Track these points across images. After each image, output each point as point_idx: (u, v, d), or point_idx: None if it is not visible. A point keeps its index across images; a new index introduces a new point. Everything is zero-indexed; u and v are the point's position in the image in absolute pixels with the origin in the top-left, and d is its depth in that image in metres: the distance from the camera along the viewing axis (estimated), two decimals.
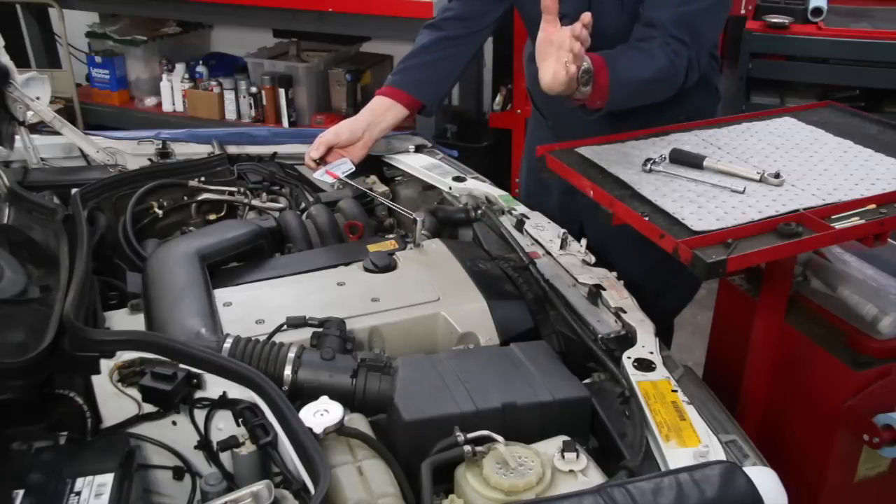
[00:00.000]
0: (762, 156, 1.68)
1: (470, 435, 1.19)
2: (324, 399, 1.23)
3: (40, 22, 4.66)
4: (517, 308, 1.61)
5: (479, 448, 1.17)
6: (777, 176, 1.54)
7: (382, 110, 2.03)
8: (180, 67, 4.52)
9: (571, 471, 1.17)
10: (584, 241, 1.78)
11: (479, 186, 2.04)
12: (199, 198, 2.00)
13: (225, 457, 1.30)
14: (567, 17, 1.76)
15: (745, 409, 1.70)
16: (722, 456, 1.20)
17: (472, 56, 2.13)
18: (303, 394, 1.33)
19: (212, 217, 2.01)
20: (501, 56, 4.11)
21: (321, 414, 1.19)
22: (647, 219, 1.43)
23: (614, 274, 1.67)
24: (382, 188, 2.12)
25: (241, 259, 1.75)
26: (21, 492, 1.15)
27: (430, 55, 2.04)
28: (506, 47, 3.90)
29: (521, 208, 1.95)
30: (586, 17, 1.51)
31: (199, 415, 1.33)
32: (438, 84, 2.09)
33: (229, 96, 4.39)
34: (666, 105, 1.83)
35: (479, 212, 1.93)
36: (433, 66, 2.05)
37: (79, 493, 1.17)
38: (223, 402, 1.30)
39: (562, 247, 1.77)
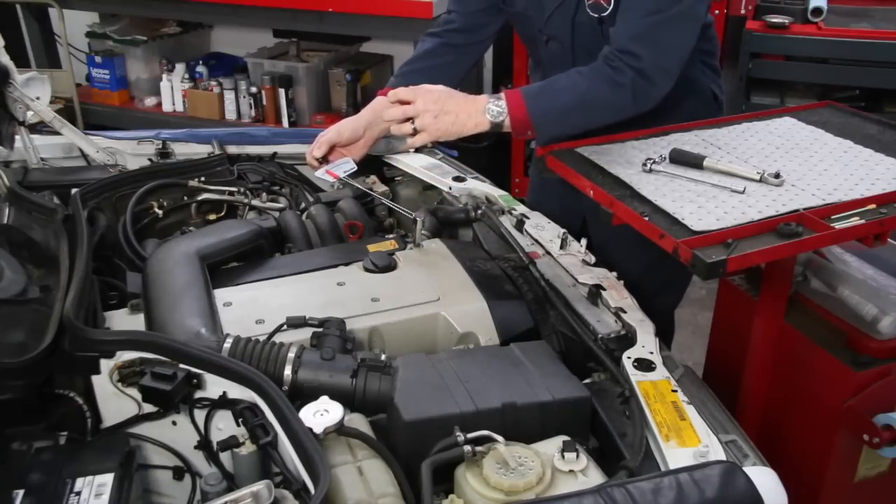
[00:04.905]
0: (762, 156, 1.68)
1: (470, 435, 1.19)
2: (324, 399, 1.23)
3: (40, 22, 4.66)
4: (517, 308, 1.60)
5: (479, 448, 1.17)
6: (777, 176, 1.54)
7: (384, 110, 2.02)
8: (180, 67, 4.52)
9: (571, 471, 1.17)
10: (584, 241, 1.78)
11: (479, 186, 2.03)
12: (199, 198, 2.00)
13: (225, 457, 1.30)
14: (555, 40, 1.83)
15: (745, 409, 1.70)
16: (722, 456, 1.20)
17: (475, 63, 2.16)
18: (303, 394, 1.33)
19: (212, 217, 2.01)
20: (501, 56, 4.11)
21: (321, 414, 1.19)
22: (647, 219, 1.43)
23: (614, 274, 1.67)
24: (382, 188, 2.12)
25: (241, 259, 1.75)
26: (21, 492, 1.15)
27: (433, 60, 2.06)
28: (505, 48, 3.90)
29: (521, 208, 1.95)
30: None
31: (199, 415, 1.33)
32: None
33: (229, 96, 4.39)
34: (658, 115, 1.83)
35: (479, 212, 1.93)
36: (436, 71, 2.05)
37: (79, 493, 1.17)
38: (223, 402, 1.30)
39: (562, 247, 1.77)
